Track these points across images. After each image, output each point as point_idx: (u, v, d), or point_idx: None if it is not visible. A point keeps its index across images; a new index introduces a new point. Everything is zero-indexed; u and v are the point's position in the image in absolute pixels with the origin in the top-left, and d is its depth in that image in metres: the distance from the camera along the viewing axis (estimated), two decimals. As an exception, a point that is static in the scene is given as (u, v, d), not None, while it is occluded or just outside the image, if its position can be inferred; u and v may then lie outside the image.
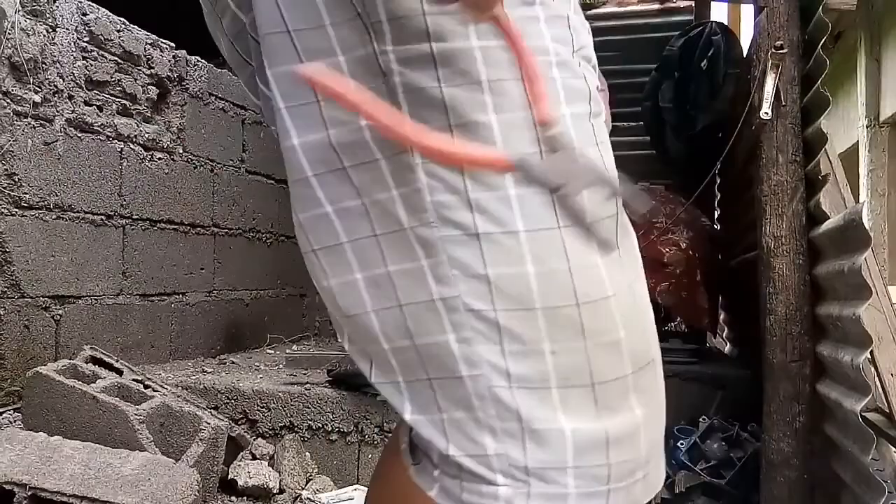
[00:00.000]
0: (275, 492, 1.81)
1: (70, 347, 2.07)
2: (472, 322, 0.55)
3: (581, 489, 0.54)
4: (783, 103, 2.02)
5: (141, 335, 2.39)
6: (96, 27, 2.13)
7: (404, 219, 0.56)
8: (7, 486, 1.41)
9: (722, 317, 3.91)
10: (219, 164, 2.77)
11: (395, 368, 0.58)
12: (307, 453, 1.98)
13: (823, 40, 1.95)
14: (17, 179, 1.89)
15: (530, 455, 0.54)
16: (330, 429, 2.02)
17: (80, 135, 2.11)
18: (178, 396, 1.82)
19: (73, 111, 2.07)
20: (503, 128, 0.55)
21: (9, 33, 1.83)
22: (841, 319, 1.68)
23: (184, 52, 2.51)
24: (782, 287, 2.00)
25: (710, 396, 2.80)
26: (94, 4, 2.14)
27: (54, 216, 2.03)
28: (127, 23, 2.26)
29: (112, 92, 2.22)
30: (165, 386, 1.85)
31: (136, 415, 1.62)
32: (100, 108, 2.17)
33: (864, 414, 1.55)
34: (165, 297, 2.51)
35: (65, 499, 1.39)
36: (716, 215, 4.19)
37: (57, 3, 1.99)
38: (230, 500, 1.79)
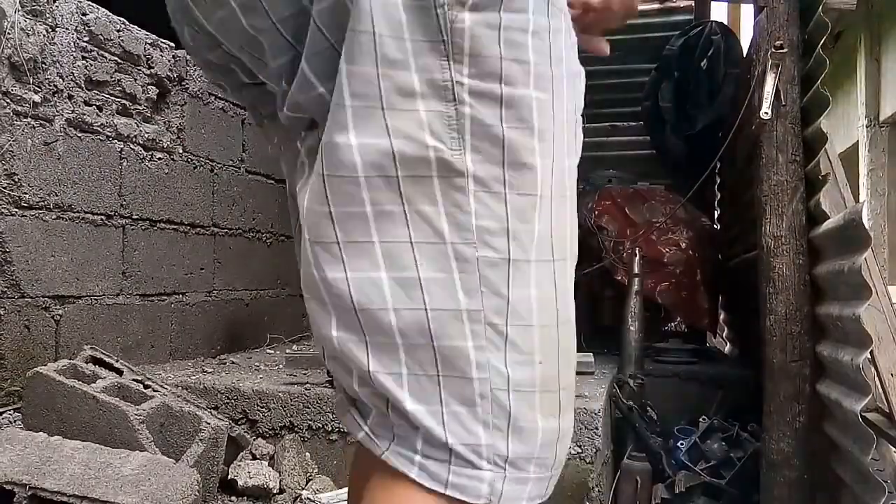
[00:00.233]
0: (275, 492, 1.81)
1: (70, 347, 2.07)
2: (488, 333, 0.64)
3: (537, 475, 0.67)
4: (783, 103, 2.02)
5: (141, 335, 2.39)
6: (96, 27, 2.13)
7: (447, 234, 0.62)
8: (7, 486, 1.41)
9: (722, 317, 3.91)
10: (219, 164, 2.77)
11: (403, 362, 0.64)
12: (307, 453, 1.98)
13: (823, 40, 1.95)
14: (16, 179, 1.89)
15: (511, 447, 0.64)
16: (330, 429, 2.02)
17: (79, 135, 2.11)
18: (178, 396, 1.82)
19: (72, 111, 2.07)
20: (543, 171, 0.65)
21: (8, 33, 1.83)
22: (841, 319, 1.68)
23: (184, 52, 2.51)
24: (782, 287, 2.00)
25: (710, 396, 2.80)
26: (93, 4, 2.14)
27: (54, 216, 2.03)
28: (127, 23, 2.26)
29: (112, 92, 2.22)
30: (165, 386, 1.85)
31: (136, 415, 1.62)
32: (100, 108, 2.17)
33: (864, 414, 1.55)
34: (165, 297, 2.51)
35: (65, 499, 1.39)
36: (716, 215, 4.20)
37: (57, 3, 1.99)
38: (230, 500, 1.79)
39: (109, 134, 2.22)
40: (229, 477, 1.81)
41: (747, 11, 3.86)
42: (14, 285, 1.90)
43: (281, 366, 2.40)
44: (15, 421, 1.75)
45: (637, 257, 2.85)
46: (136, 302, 2.37)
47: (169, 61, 2.44)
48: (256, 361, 2.53)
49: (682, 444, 2.42)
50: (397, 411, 0.65)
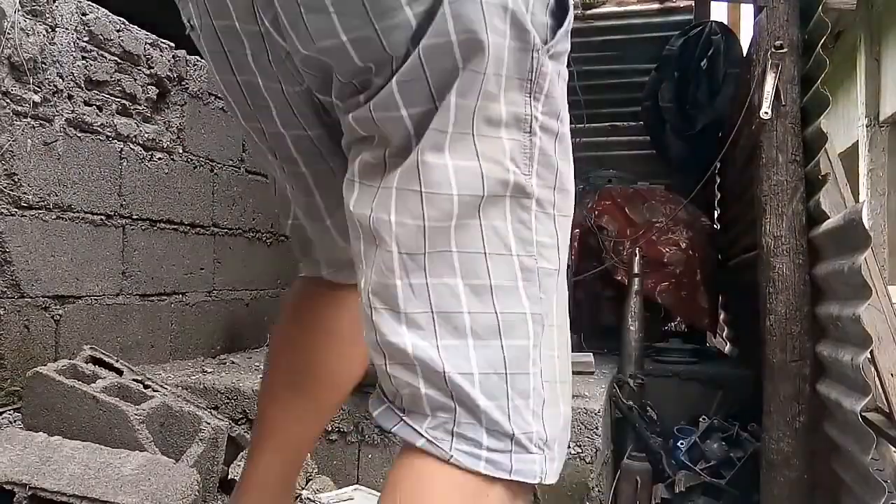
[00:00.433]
0: (275, 492, 1.81)
1: (70, 347, 2.07)
2: (542, 332, 0.75)
3: (560, 454, 0.76)
4: (783, 103, 2.02)
5: (141, 335, 2.39)
6: (96, 27, 2.13)
7: (514, 247, 0.73)
8: (7, 486, 1.41)
9: (722, 317, 3.91)
10: (218, 163, 2.77)
11: (475, 362, 0.71)
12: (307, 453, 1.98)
13: (823, 40, 1.95)
14: (16, 179, 1.89)
15: (548, 432, 0.74)
16: (330, 429, 2.02)
17: (79, 135, 2.11)
18: (178, 396, 1.82)
19: (72, 111, 2.07)
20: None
21: (8, 33, 1.83)
22: (841, 319, 1.68)
23: (183, 51, 2.51)
24: (782, 287, 2.00)
25: (710, 396, 2.80)
26: (93, 4, 2.14)
27: (54, 216, 2.03)
28: (127, 23, 2.26)
29: (112, 92, 2.22)
30: (165, 386, 1.85)
31: (136, 415, 1.62)
32: (99, 108, 2.17)
33: (864, 414, 1.55)
34: (165, 297, 2.51)
35: (65, 499, 1.39)
36: (716, 215, 4.20)
37: (56, 3, 1.99)
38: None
39: (109, 134, 2.22)
40: (229, 477, 1.81)
41: (747, 11, 3.86)
42: (14, 285, 1.90)
43: None
44: (15, 421, 1.75)
45: (637, 257, 2.85)
46: (136, 302, 2.37)
47: (169, 61, 2.44)
48: (256, 361, 2.53)
49: (682, 444, 2.42)
50: (467, 408, 0.71)
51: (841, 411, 1.66)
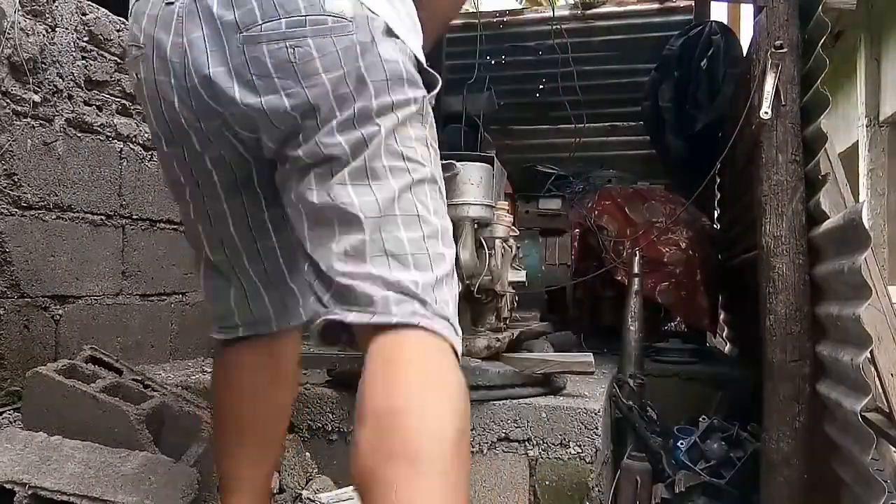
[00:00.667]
0: (275, 492, 1.80)
1: (70, 347, 2.07)
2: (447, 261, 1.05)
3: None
4: (783, 103, 2.01)
5: (141, 335, 2.39)
6: (96, 27, 2.13)
7: (433, 211, 1.06)
8: (7, 486, 1.41)
9: (722, 317, 3.91)
10: (219, 163, 2.77)
11: (418, 277, 0.99)
12: (307, 453, 1.98)
13: (823, 40, 1.95)
14: (16, 179, 1.89)
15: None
16: (330, 429, 2.02)
17: (79, 135, 2.11)
18: (178, 396, 1.82)
19: (72, 111, 2.07)
20: None
21: (8, 33, 1.83)
22: (841, 319, 1.68)
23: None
24: (782, 287, 2.00)
25: (710, 396, 2.81)
26: (93, 4, 2.14)
27: (54, 216, 2.03)
28: (127, 23, 2.26)
29: (112, 92, 2.22)
30: (165, 386, 1.85)
31: (136, 415, 1.61)
32: (99, 108, 2.17)
33: (864, 414, 1.55)
34: (165, 297, 2.51)
35: (65, 498, 1.39)
36: (716, 215, 4.20)
37: (56, 3, 1.99)
38: (230, 500, 1.79)
39: (109, 134, 2.22)
40: (229, 477, 1.80)
41: (747, 11, 3.86)
42: (14, 285, 1.90)
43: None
44: (15, 421, 1.75)
45: (637, 257, 2.85)
46: (136, 302, 2.37)
47: (169, 61, 2.43)
48: (256, 361, 2.52)
49: (682, 443, 2.42)
50: (420, 301, 0.97)
51: (841, 411, 1.66)
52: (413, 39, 1.04)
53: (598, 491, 1.88)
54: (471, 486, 1.92)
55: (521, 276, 2.23)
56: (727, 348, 4.09)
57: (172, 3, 1.02)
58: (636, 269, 2.83)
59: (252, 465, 1.32)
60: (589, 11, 4.78)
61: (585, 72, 4.53)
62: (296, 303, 1.30)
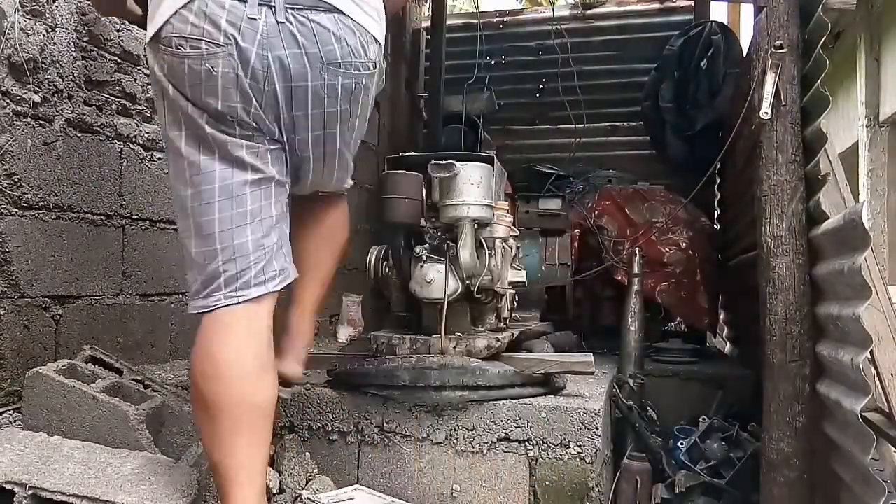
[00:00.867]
0: (275, 492, 1.80)
1: (70, 347, 2.07)
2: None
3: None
4: (783, 103, 2.02)
5: (141, 335, 2.39)
6: (96, 27, 2.13)
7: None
8: (7, 486, 1.41)
9: (722, 317, 3.91)
10: (219, 163, 2.76)
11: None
12: (307, 453, 1.98)
13: (823, 40, 1.95)
14: (16, 179, 1.89)
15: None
16: (330, 429, 2.02)
17: (79, 135, 2.11)
18: (178, 396, 1.82)
19: (72, 111, 2.07)
20: None
21: (8, 33, 1.83)
22: (841, 319, 1.68)
23: (184, 51, 2.50)
24: (782, 287, 2.00)
25: (710, 396, 2.81)
26: (93, 4, 2.14)
27: (54, 216, 2.03)
28: (126, 23, 2.26)
29: (112, 92, 2.22)
30: (165, 386, 1.85)
31: (136, 415, 1.62)
32: (99, 108, 2.17)
33: (864, 414, 1.55)
34: (165, 297, 2.51)
35: (65, 498, 1.39)
36: (716, 215, 4.20)
37: (56, 3, 1.99)
38: (230, 500, 1.79)
39: (109, 134, 2.22)
40: (229, 477, 1.80)
41: (747, 11, 3.86)
42: (14, 285, 1.90)
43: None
44: (15, 421, 1.75)
45: (637, 257, 2.85)
46: (136, 302, 2.37)
47: (169, 61, 2.43)
48: (256, 361, 2.52)
49: (682, 444, 2.42)
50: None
51: (841, 411, 1.66)
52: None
53: (598, 491, 1.88)
54: (471, 486, 1.92)
55: (521, 276, 2.23)
56: (727, 348, 4.09)
57: (255, 19, 1.34)
58: (636, 269, 2.83)
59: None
60: (589, 11, 4.78)
61: (585, 72, 4.53)
62: None
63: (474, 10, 5.32)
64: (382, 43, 1.53)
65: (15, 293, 1.90)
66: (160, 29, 1.37)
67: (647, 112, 4.35)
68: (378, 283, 2.31)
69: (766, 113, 2.01)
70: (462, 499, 1.92)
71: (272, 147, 1.46)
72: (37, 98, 1.93)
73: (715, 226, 3.96)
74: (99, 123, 2.17)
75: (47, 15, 1.96)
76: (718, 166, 3.76)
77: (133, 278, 2.35)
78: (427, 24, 5.00)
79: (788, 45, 2.02)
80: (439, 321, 2.02)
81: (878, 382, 1.69)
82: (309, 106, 1.43)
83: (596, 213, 3.49)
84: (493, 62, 4.79)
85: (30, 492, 1.40)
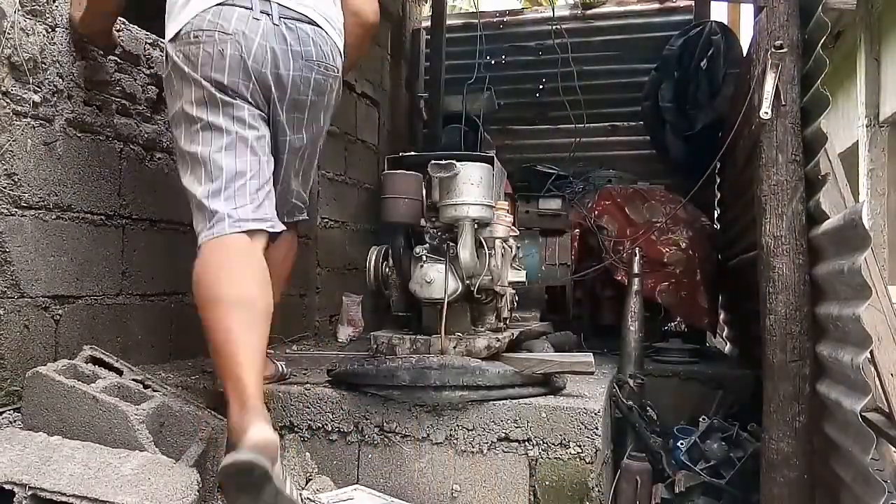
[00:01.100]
0: (275, 491, 1.80)
1: (70, 347, 2.06)
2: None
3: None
4: (783, 103, 2.02)
5: (141, 335, 2.39)
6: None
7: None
8: (7, 486, 1.41)
9: (722, 317, 3.91)
10: (219, 163, 2.76)
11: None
12: (307, 453, 1.98)
13: (823, 40, 1.95)
14: (16, 179, 1.89)
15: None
16: (330, 429, 2.02)
17: (79, 135, 2.11)
18: (178, 396, 1.82)
19: (72, 111, 2.07)
20: None
21: (8, 33, 1.83)
22: (841, 319, 1.68)
23: (184, 51, 2.50)
24: (782, 287, 2.00)
25: (710, 396, 2.81)
26: (93, 4, 2.14)
27: (54, 216, 2.03)
28: (126, 23, 2.26)
29: (112, 92, 2.22)
30: (165, 386, 1.85)
31: (136, 415, 1.61)
32: (99, 108, 2.17)
33: (864, 414, 1.55)
34: (165, 297, 2.51)
35: (64, 499, 1.39)
36: (716, 215, 4.20)
37: (56, 3, 1.99)
38: (230, 500, 1.79)
39: (109, 134, 2.22)
40: (229, 477, 1.80)
41: (747, 11, 3.86)
42: (14, 285, 1.90)
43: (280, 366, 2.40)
44: (15, 421, 1.75)
45: (637, 257, 2.85)
46: (136, 302, 2.37)
47: (169, 61, 2.43)
48: (256, 361, 2.52)
49: (682, 444, 2.42)
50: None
51: (841, 411, 1.66)
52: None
53: (598, 491, 1.88)
54: (471, 486, 1.92)
55: (521, 276, 2.23)
56: (727, 348, 4.09)
57: (259, 19, 1.76)
58: (636, 269, 2.83)
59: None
60: (589, 11, 4.78)
61: (585, 72, 4.53)
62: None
63: (474, 10, 5.32)
64: (342, 59, 1.95)
65: (15, 293, 1.90)
66: (181, 28, 1.75)
67: (647, 112, 4.35)
68: (378, 283, 2.31)
69: (766, 113, 2.01)
70: (462, 499, 1.92)
71: (262, 114, 1.83)
72: (37, 98, 1.93)
73: (715, 226, 3.96)
74: (99, 123, 2.17)
75: (47, 15, 1.96)
76: (718, 166, 3.76)
77: (133, 278, 2.35)
78: (427, 24, 5.01)
79: (788, 45, 2.02)
80: (439, 321, 2.02)
81: (878, 382, 1.70)
82: (289, 89, 1.82)
83: (596, 213, 3.49)
84: (493, 62, 4.79)
85: (30, 492, 1.40)
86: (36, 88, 1.93)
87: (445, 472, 1.94)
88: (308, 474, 1.93)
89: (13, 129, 1.87)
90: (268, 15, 1.77)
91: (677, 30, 4.28)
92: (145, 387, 1.79)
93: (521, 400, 1.93)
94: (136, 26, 2.30)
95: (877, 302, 1.72)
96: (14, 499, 1.40)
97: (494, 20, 4.97)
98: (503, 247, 2.13)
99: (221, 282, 1.67)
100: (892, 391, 1.67)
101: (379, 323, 2.97)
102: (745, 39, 3.94)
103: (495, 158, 2.21)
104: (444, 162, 2.03)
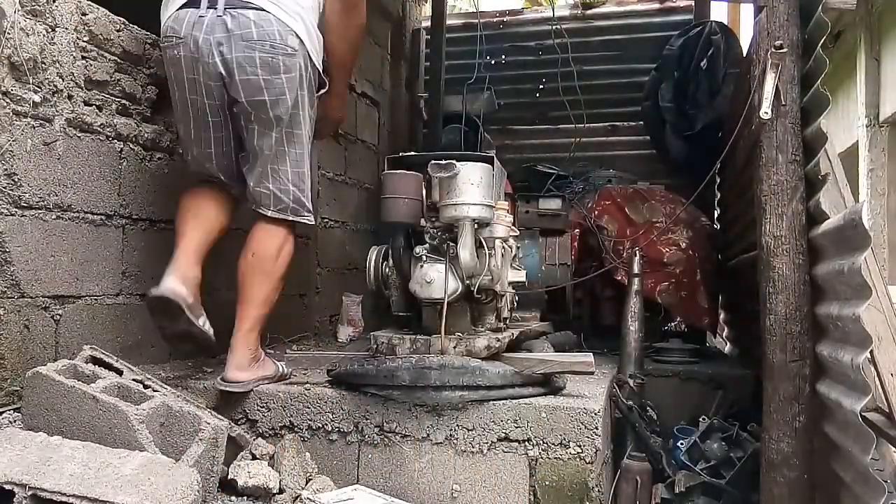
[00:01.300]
0: (275, 492, 1.81)
1: (70, 347, 2.07)
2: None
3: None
4: (783, 103, 2.02)
5: (141, 335, 2.39)
6: (96, 27, 2.13)
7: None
8: (7, 486, 1.41)
9: (722, 317, 3.91)
10: (219, 163, 2.76)
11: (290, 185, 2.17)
12: (307, 453, 1.98)
13: (823, 40, 1.95)
14: (16, 179, 1.89)
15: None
16: (330, 429, 2.02)
17: (79, 135, 2.11)
18: (178, 396, 1.82)
19: (72, 111, 2.07)
20: None
21: (8, 33, 1.83)
22: (841, 319, 1.68)
23: (184, 51, 2.50)
24: (782, 287, 2.00)
25: (710, 396, 2.81)
26: (93, 4, 2.14)
27: (54, 216, 2.03)
28: (127, 22, 2.26)
29: (112, 92, 2.22)
30: (165, 386, 1.85)
31: (136, 415, 1.61)
32: (99, 108, 2.17)
33: (864, 414, 1.55)
34: (165, 297, 2.51)
35: (64, 499, 1.39)
36: (716, 215, 4.20)
37: (56, 3, 1.99)
38: (230, 500, 1.79)
39: (109, 134, 2.22)
40: (229, 477, 1.81)
41: (747, 11, 3.86)
42: (14, 285, 1.90)
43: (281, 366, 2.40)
44: (15, 421, 1.75)
45: (637, 257, 2.85)
46: (136, 302, 2.37)
47: (169, 61, 2.43)
48: (256, 361, 2.52)
49: (682, 444, 2.42)
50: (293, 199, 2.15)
51: (841, 411, 1.66)
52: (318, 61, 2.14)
53: (598, 491, 1.88)
54: (471, 486, 1.92)
55: (521, 276, 2.23)
56: (727, 348, 4.09)
57: (204, 16, 1.98)
58: (636, 269, 2.83)
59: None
60: (589, 11, 4.78)
61: (585, 72, 4.53)
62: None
63: (474, 10, 5.32)
64: (303, 38, 2.04)
65: (15, 293, 1.90)
66: (162, 32, 2.09)
67: (647, 112, 4.35)
68: (378, 283, 2.31)
69: (766, 113, 2.01)
70: (462, 499, 1.92)
71: (217, 104, 2.08)
72: (37, 98, 1.93)
73: (715, 226, 3.96)
74: (99, 123, 2.17)
75: (47, 15, 1.96)
76: (718, 166, 3.76)
77: (133, 278, 2.35)
78: (427, 24, 5.01)
79: (788, 45, 2.02)
80: (439, 321, 2.02)
81: (878, 382, 1.70)
82: (236, 73, 1.99)
83: (596, 213, 3.49)
84: (493, 62, 4.79)
85: (30, 492, 1.40)
86: (36, 88, 1.93)
87: (445, 472, 1.94)
88: (308, 474, 1.93)
89: (13, 129, 1.87)
90: (213, 8, 1.98)
91: (677, 30, 4.28)
92: (145, 387, 1.79)
93: (521, 400, 1.93)
94: (136, 26, 2.30)
95: (877, 302, 1.72)
96: (14, 499, 1.40)
97: (494, 20, 4.97)
98: (503, 247, 2.13)
99: (187, 211, 2.18)
100: (892, 391, 1.67)
101: (379, 323, 2.97)
102: (745, 39, 3.94)
103: (495, 158, 2.21)
104: (444, 162, 2.03)
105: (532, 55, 4.79)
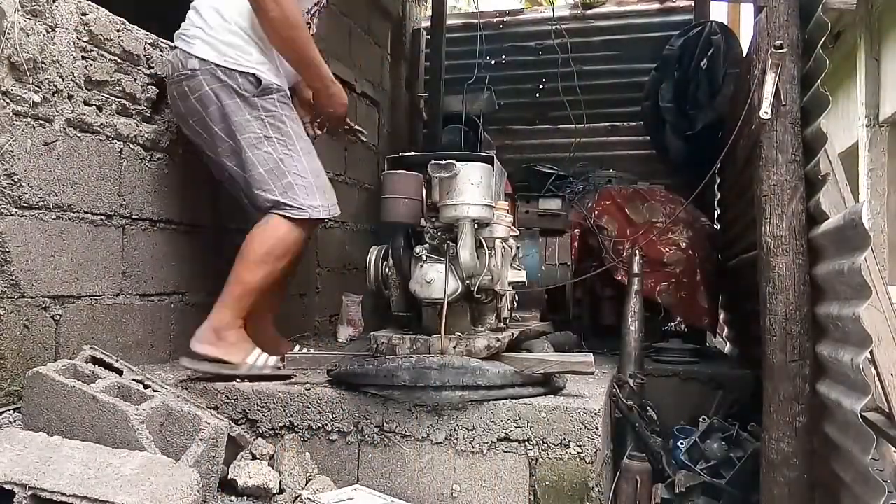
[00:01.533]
0: (275, 492, 1.81)
1: (70, 347, 2.07)
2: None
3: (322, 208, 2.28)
4: (783, 103, 2.02)
5: (141, 335, 2.39)
6: (96, 27, 2.13)
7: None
8: (7, 486, 1.41)
9: (722, 317, 3.91)
10: (219, 163, 2.76)
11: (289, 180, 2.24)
12: (307, 453, 1.98)
13: (823, 40, 1.95)
14: (16, 179, 1.89)
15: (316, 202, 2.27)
16: (330, 429, 2.02)
17: (79, 135, 2.11)
18: (178, 396, 1.82)
19: (72, 111, 2.07)
20: None
21: (8, 33, 1.83)
22: (841, 319, 1.68)
23: (183, 51, 2.50)
24: (782, 287, 2.00)
25: (710, 396, 2.81)
26: (93, 4, 2.14)
27: (54, 216, 2.03)
28: (127, 23, 2.26)
29: (112, 92, 2.22)
30: (165, 386, 1.85)
31: (136, 415, 1.62)
32: (99, 108, 2.17)
33: (864, 414, 1.55)
34: (165, 297, 2.51)
35: (64, 499, 1.39)
36: (716, 215, 4.20)
37: (56, 3, 1.99)
38: (230, 500, 1.79)
39: (109, 134, 2.22)
40: (229, 477, 1.81)
41: (747, 11, 3.86)
42: (14, 285, 1.90)
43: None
44: (15, 421, 1.75)
45: (637, 257, 2.85)
46: (136, 302, 2.37)
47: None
48: (256, 361, 2.52)
49: (682, 444, 2.42)
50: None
51: (841, 411, 1.66)
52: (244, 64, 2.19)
53: (598, 491, 1.88)
54: (471, 486, 1.92)
55: (521, 276, 2.23)
56: (727, 348, 4.09)
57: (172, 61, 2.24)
58: (636, 269, 2.83)
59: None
60: (589, 11, 4.78)
61: (585, 72, 4.53)
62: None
63: (474, 10, 5.32)
64: (204, 56, 2.13)
65: (15, 293, 1.90)
66: None
67: (647, 112, 4.35)
68: (378, 283, 2.31)
69: (766, 113, 2.01)
70: (462, 499, 1.92)
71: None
72: (37, 98, 1.93)
73: (715, 226, 3.96)
74: (99, 123, 2.17)
75: (47, 15, 1.96)
76: (718, 166, 3.76)
77: (133, 278, 2.35)
78: (427, 24, 5.01)
79: (788, 45, 2.02)
80: (439, 321, 2.02)
81: (878, 382, 1.70)
82: (173, 106, 2.30)
83: (596, 213, 3.49)
84: (493, 62, 4.79)
85: (30, 492, 1.40)
86: (36, 88, 1.93)
87: (445, 472, 1.94)
88: (308, 474, 1.93)
89: (13, 129, 1.87)
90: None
91: (677, 30, 4.28)
92: (145, 387, 1.79)
93: (521, 400, 1.92)
94: (136, 26, 2.30)
95: (877, 302, 1.72)
96: (14, 499, 1.40)
97: (494, 20, 4.97)
98: (503, 247, 2.13)
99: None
100: (892, 391, 1.67)
101: (379, 323, 2.97)
102: (745, 39, 3.94)
103: (495, 158, 2.21)
104: (444, 162, 2.03)
105: (532, 55, 4.79)
